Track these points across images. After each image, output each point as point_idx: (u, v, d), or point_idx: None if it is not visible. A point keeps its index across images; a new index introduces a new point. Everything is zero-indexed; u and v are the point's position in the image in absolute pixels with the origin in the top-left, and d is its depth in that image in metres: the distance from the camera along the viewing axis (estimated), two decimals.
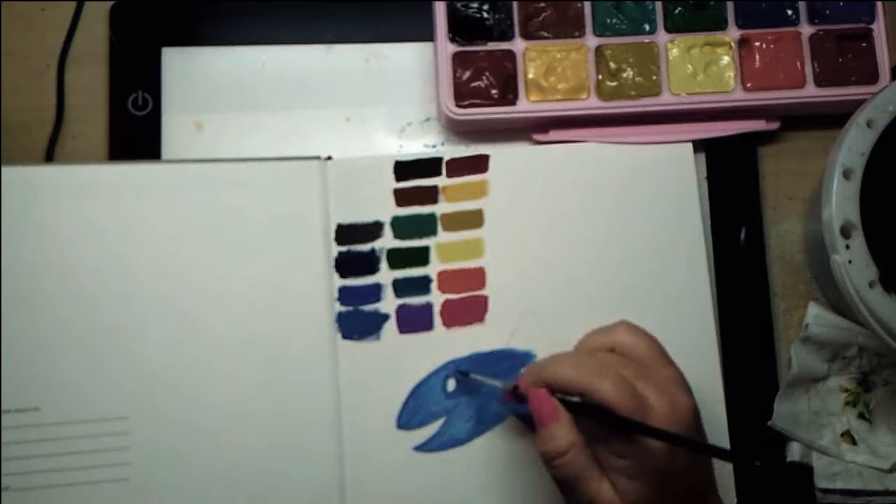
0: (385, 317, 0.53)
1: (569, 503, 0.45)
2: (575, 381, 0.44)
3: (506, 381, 0.49)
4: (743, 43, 0.57)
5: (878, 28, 0.57)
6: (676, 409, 0.44)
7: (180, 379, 0.51)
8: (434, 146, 0.57)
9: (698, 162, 0.57)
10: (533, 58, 0.56)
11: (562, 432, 0.44)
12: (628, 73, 0.56)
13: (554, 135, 0.56)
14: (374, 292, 0.53)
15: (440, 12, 0.55)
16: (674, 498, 0.44)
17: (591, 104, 0.55)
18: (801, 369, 0.55)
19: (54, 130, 0.55)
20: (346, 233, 0.53)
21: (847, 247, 0.48)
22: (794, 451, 0.54)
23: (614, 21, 0.56)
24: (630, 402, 0.43)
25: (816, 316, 0.56)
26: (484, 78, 0.55)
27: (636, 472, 0.43)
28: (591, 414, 0.44)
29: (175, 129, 0.55)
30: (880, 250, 0.48)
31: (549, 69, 0.56)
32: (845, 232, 0.48)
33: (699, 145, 0.57)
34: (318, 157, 0.54)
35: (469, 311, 0.53)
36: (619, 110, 0.55)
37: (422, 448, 0.52)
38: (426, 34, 0.56)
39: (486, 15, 0.56)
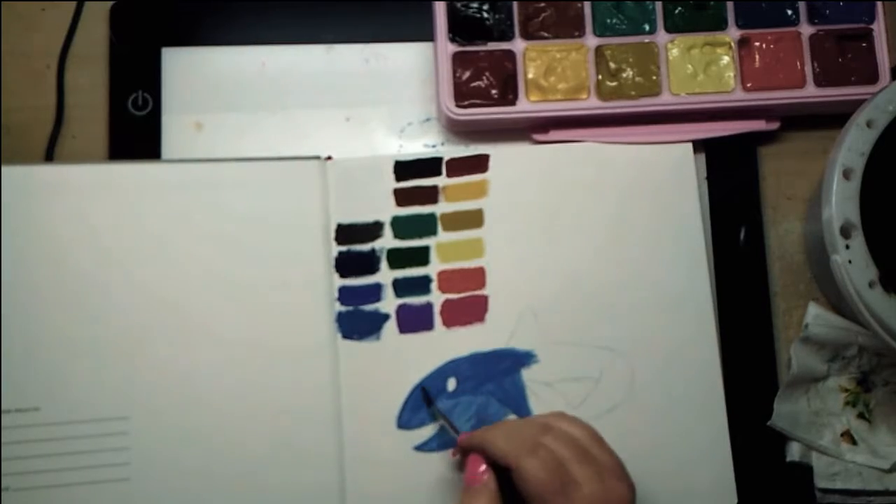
0: (385, 317, 0.53)
1: None
2: (503, 452, 0.45)
3: (459, 431, 0.50)
4: (743, 43, 0.57)
5: (878, 28, 0.57)
6: (610, 497, 0.44)
7: (180, 379, 0.51)
8: (434, 146, 0.57)
9: (698, 162, 0.57)
10: (533, 58, 0.56)
11: (483, 499, 0.45)
12: (628, 73, 0.56)
13: (554, 135, 0.56)
14: (374, 292, 0.53)
15: (440, 12, 0.55)
16: None
17: (591, 104, 0.55)
18: (801, 369, 0.55)
19: (54, 130, 0.55)
20: (346, 233, 0.53)
21: (847, 247, 0.48)
22: (794, 451, 0.54)
23: (614, 21, 0.56)
24: (554, 482, 0.43)
25: (816, 316, 0.56)
26: (484, 78, 0.55)
27: None
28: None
29: (175, 129, 0.55)
30: (880, 250, 0.48)
31: (549, 69, 0.56)
32: (845, 232, 0.48)
33: (699, 145, 0.57)
34: (318, 157, 0.54)
35: (469, 310, 0.53)
36: (619, 110, 0.55)
37: (422, 448, 0.52)
38: (426, 34, 0.56)
39: (486, 15, 0.56)
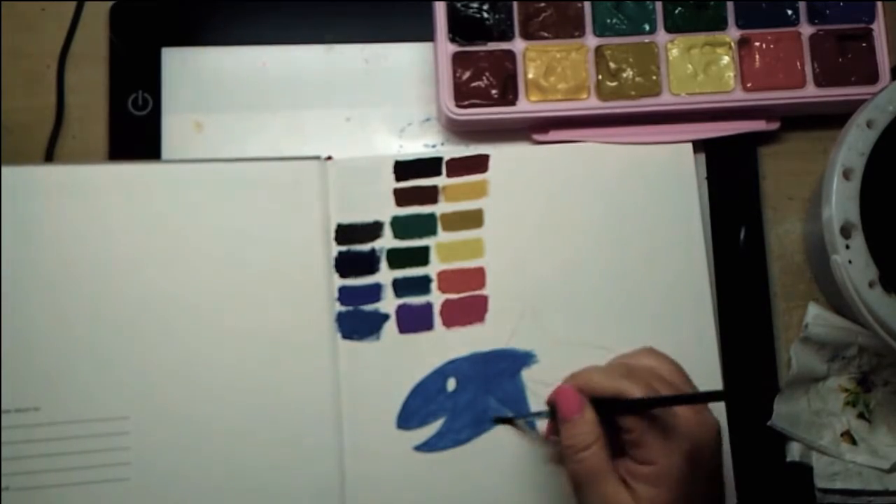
0: (385, 317, 0.53)
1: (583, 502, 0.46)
2: (606, 385, 0.46)
3: (541, 413, 0.50)
4: (743, 43, 0.57)
5: (878, 28, 0.57)
6: (703, 425, 0.45)
7: (180, 379, 0.51)
8: (434, 146, 0.57)
9: (698, 162, 0.57)
10: (533, 58, 0.56)
11: (586, 427, 0.45)
12: (628, 73, 0.56)
13: (554, 135, 0.56)
14: (374, 292, 0.53)
15: (440, 12, 0.55)
16: (698, 495, 0.44)
17: (590, 104, 0.55)
18: (801, 369, 0.55)
19: (54, 130, 0.55)
20: (346, 233, 0.53)
21: (847, 247, 0.48)
22: (794, 451, 0.54)
23: (614, 21, 0.56)
24: (658, 408, 0.44)
25: (816, 316, 0.56)
26: (484, 78, 0.55)
27: (659, 479, 0.44)
28: (619, 407, 0.45)
29: (175, 129, 0.55)
30: (880, 250, 0.48)
31: (549, 69, 0.56)
32: (845, 232, 0.48)
33: (699, 145, 0.57)
34: (318, 157, 0.54)
35: (469, 311, 0.53)
36: (618, 110, 0.55)
37: (422, 448, 0.52)
38: (426, 34, 0.56)
39: (486, 15, 0.56)
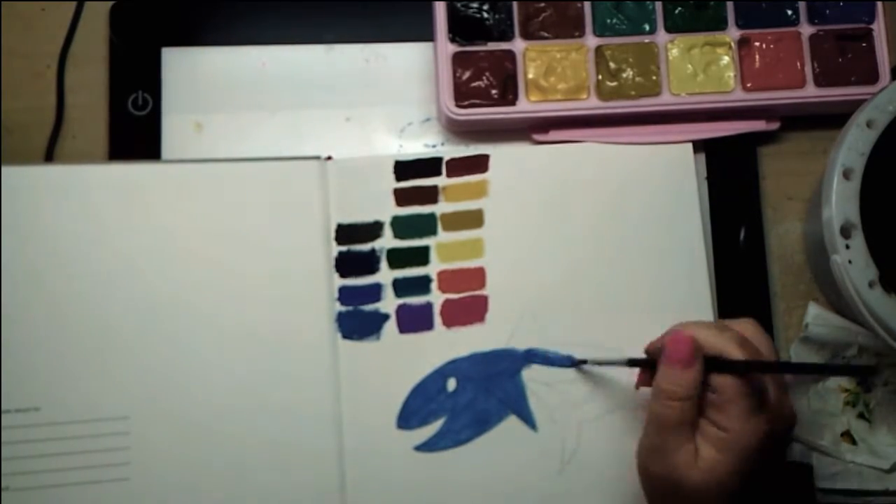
0: (385, 317, 0.53)
1: (644, 446, 0.47)
2: (712, 342, 0.46)
3: (618, 360, 0.50)
4: (743, 43, 0.57)
5: (878, 28, 0.57)
6: (785, 415, 0.46)
7: (180, 379, 0.51)
8: (434, 146, 0.57)
9: (698, 162, 0.57)
10: (533, 58, 0.56)
11: (689, 379, 0.45)
12: (628, 73, 0.56)
13: (554, 135, 0.56)
14: (374, 292, 0.53)
15: (440, 12, 0.55)
16: (748, 476, 0.45)
17: (590, 104, 0.55)
18: None
19: (54, 130, 0.55)
20: (346, 232, 0.53)
21: (847, 247, 0.48)
22: (794, 451, 0.54)
23: (614, 21, 0.56)
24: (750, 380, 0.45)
25: (816, 316, 0.56)
26: (484, 78, 0.55)
27: (727, 446, 0.44)
28: (722, 366, 0.45)
29: (175, 129, 0.55)
30: (880, 250, 0.48)
31: (549, 69, 0.56)
32: (845, 232, 0.48)
33: (699, 145, 0.57)
34: (318, 157, 0.54)
35: (469, 311, 0.53)
36: (618, 110, 0.55)
37: (422, 448, 0.52)
38: (426, 34, 0.56)
39: (486, 15, 0.56)
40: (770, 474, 0.46)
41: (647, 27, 0.56)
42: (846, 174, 0.49)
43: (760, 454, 0.44)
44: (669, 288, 0.54)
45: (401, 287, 0.53)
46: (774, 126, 0.57)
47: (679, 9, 0.57)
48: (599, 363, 0.52)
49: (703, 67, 0.56)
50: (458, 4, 0.56)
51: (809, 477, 0.54)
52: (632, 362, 0.50)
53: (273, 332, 0.52)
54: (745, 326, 0.48)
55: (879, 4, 0.57)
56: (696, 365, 0.45)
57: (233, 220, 0.52)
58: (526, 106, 0.55)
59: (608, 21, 0.56)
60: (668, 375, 0.46)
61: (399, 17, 0.57)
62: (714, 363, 0.45)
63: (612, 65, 0.56)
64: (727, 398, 0.44)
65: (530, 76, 0.55)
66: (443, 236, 0.54)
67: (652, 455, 0.46)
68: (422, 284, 0.53)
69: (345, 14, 0.57)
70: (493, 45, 0.56)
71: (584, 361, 0.52)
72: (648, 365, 0.49)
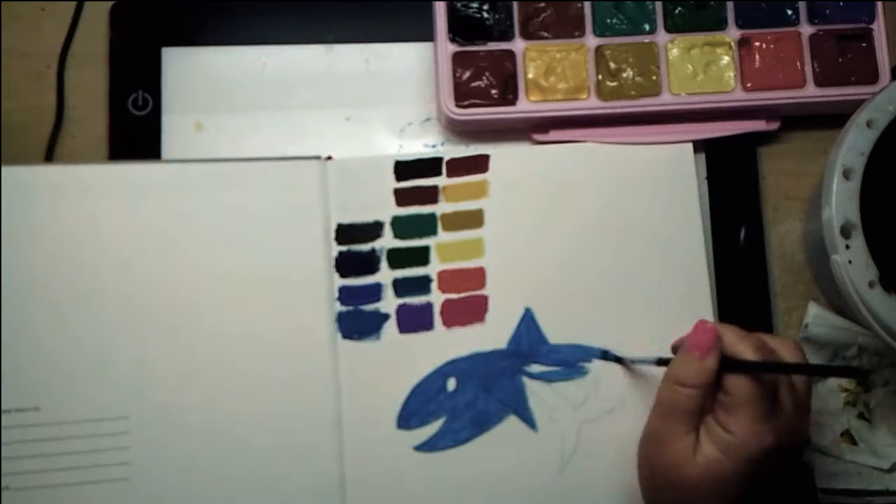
0: (385, 316, 0.53)
1: (645, 433, 0.47)
2: (733, 345, 0.46)
3: (646, 359, 0.51)
4: (743, 43, 0.57)
5: (878, 28, 0.57)
6: (797, 431, 0.46)
7: (180, 379, 0.51)
8: (434, 146, 0.57)
9: (698, 162, 0.57)
10: (533, 58, 0.56)
11: (702, 369, 0.45)
12: (628, 73, 0.56)
13: (554, 135, 0.56)
14: (374, 292, 0.53)
15: (440, 12, 0.55)
16: (749, 483, 0.45)
17: (590, 104, 0.55)
18: None
19: (54, 130, 0.55)
20: (346, 233, 0.53)
21: (847, 247, 0.48)
22: None
23: (614, 21, 0.56)
24: (768, 390, 0.45)
25: (816, 316, 0.56)
26: (484, 78, 0.55)
27: (729, 449, 0.44)
28: (736, 366, 0.45)
29: (175, 129, 0.55)
30: (880, 250, 0.48)
31: (549, 69, 0.56)
32: (845, 232, 0.48)
33: (699, 145, 0.57)
34: (318, 157, 0.54)
35: (469, 310, 0.53)
36: (619, 110, 0.55)
37: (422, 448, 0.52)
38: (426, 34, 0.56)
39: (486, 15, 0.56)
40: (773, 486, 0.46)
41: (647, 27, 0.56)
42: (846, 174, 0.49)
43: (763, 463, 0.44)
44: (669, 288, 0.54)
45: (401, 287, 0.53)
46: (774, 126, 0.57)
47: (679, 9, 0.57)
48: (632, 362, 0.52)
49: (703, 67, 0.56)
50: (458, 4, 0.56)
51: (810, 478, 0.54)
52: (661, 361, 0.50)
53: (273, 332, 0.52)
54: (786, 344, 0.48)
55: (879, 4, 0.57)
56: (713, 356, 0.45)
57: (233, 220, 0.52)
58: (526, 106, 0.55)
59: (608, 21, 0.56)
60: (682, 362, 0.46)
61: (399, 17, 0.57)
62: (725, 362, 0.45)
63: (612, 65, 0.56)
64: (737, 401, 0.44)
65: (530, 76, 0.55)
66: (443, 236, 0.54)
67: (652, 443, 0.46)
68: (422, 284, 0.53)
69: (345, 14, 0.57)
70: (493, 45, 0.56)
71: (621, 360, 0.52)
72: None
